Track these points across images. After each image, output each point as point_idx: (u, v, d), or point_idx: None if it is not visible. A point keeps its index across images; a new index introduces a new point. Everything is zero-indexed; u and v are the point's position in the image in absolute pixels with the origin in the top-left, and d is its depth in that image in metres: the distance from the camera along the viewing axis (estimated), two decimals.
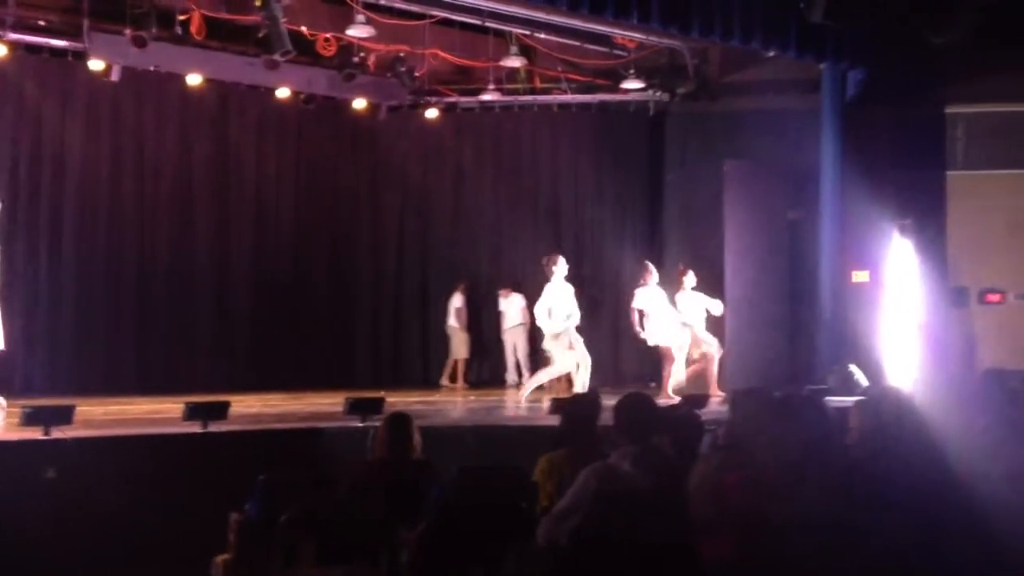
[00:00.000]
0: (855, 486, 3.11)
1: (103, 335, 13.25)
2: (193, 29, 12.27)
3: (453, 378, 14.72)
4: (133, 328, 13.45)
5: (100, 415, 9.91)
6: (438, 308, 14.99)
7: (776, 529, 2.80)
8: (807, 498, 2.92)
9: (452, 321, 14.77)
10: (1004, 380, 5.00)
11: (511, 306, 14.62)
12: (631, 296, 12.43)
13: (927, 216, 13.51)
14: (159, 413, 10.05)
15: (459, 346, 14.73)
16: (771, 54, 12.62)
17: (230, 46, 12.86)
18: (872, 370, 12.59)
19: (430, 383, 14.67)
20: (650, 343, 12.32)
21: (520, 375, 14.56)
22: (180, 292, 13.78)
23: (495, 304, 14.82)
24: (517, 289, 14.65)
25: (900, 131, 13.85)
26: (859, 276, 13.51)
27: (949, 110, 13.95)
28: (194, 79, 12.98)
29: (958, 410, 5.05)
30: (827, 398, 9.57)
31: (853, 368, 12.63)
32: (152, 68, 12.76)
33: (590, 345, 11.84)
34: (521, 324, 14.46)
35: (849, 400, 7.24)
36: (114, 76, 12.42)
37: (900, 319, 12.92)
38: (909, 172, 13.85)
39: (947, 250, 13.75)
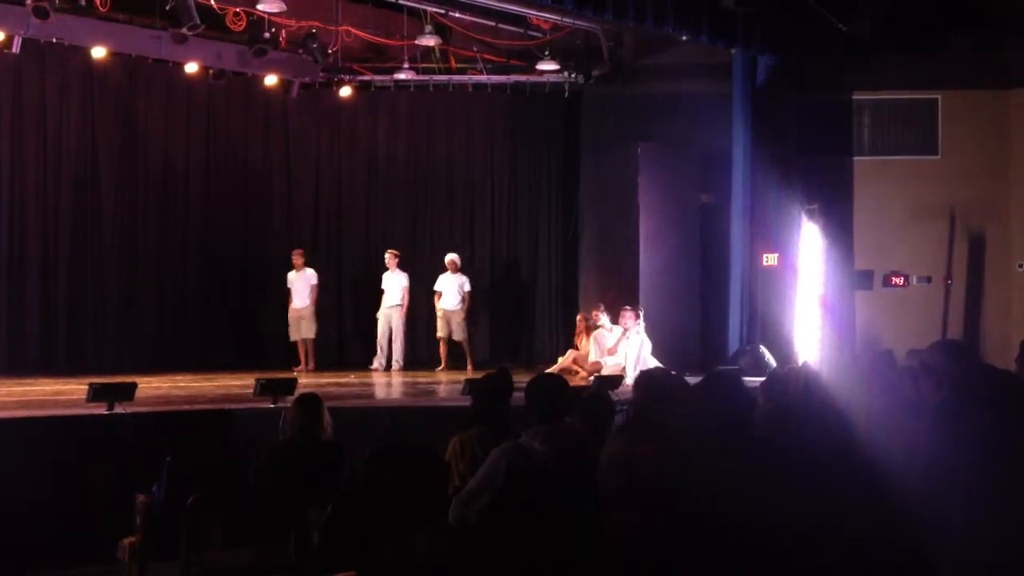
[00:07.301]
0: (760, 461, 3.18)
1: (5, 314, 12.87)
2: (97, 0, 11.92)
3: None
4: (37, 307, 13.07)
5: (3, 396, 9.68)
6: (352, 288, 14.83)
7: (681, 501, 2.85)
8: (712, 472, 2.97)
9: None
10: (894, 360, 5.15)
11: (392, 283, 13.79)
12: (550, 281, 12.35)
13: (834, 201, 13.82)
14: (64, 394, 9.85)
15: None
16: (684, 38, 12.74)
17: (136, 19, 12.53)
18: (781, 350, 12.87)
19: (344, 364, 14.50)
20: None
21: (388, 358, 13.65)
22: (85, 271, 13.43)
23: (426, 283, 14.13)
24: (403, 268, 13.90)
25: (808, 117, 14.15)
26: (769, 259, 13.77)
27: (855, 97, 14.27)
28: (99, 52, 12.59)
29: (861, 388, 5.17)
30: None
31: (763, 348, 12.90)
32: (55, 40, 12.36)
33: (504, 325, 11.58)
34: (398, 305, 13.71)
35: (758, 380, 7.39)
36: (15, 48, 12.00)
37: (808, 301, 13.18)
38: (816, 157, 14.16)
39: (853, 234, 14.09)
